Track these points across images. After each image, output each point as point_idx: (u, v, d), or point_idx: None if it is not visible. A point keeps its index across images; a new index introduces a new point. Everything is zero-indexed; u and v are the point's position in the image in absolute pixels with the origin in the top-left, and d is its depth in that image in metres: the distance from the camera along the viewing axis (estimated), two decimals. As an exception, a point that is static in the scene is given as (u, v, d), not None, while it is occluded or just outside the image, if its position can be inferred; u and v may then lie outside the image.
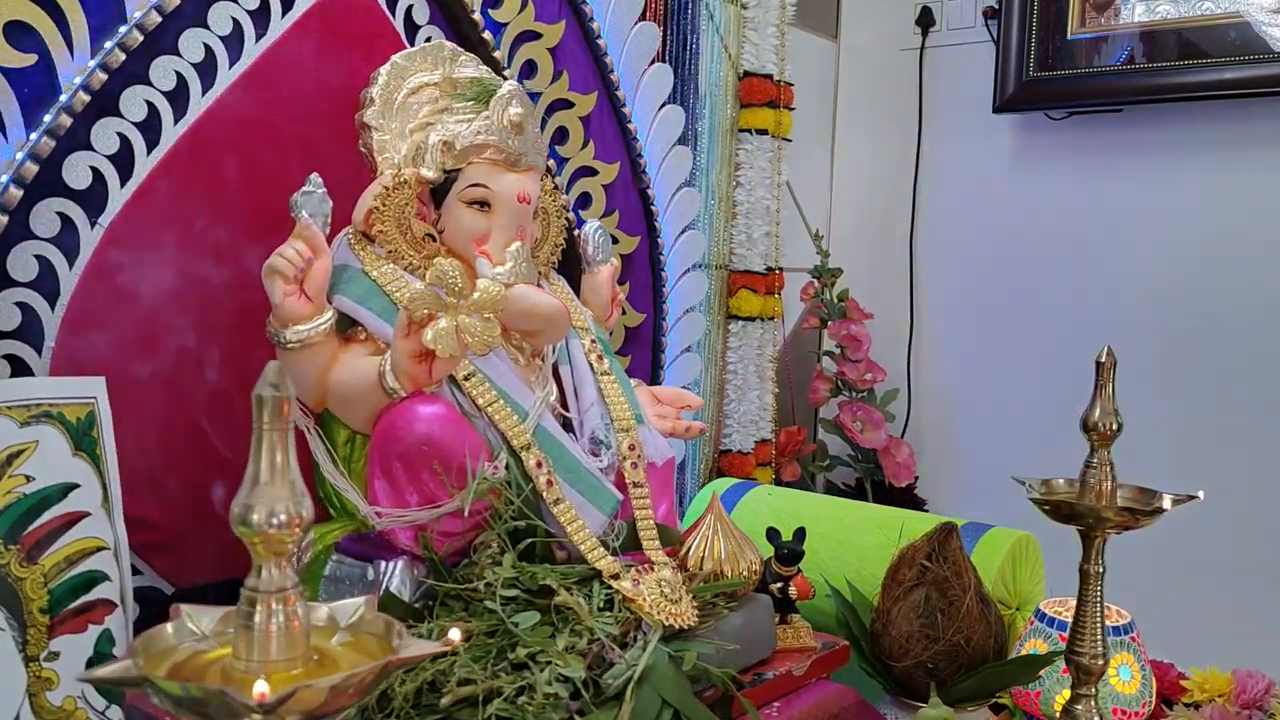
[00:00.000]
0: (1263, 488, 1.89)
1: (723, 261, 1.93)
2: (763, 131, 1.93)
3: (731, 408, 1.94)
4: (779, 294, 1.99)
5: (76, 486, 0.93)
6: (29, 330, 1.05)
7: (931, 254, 2.28)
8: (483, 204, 1.13)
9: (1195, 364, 1.96)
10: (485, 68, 1.23)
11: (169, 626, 0.63)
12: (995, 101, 2.09)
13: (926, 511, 2.07)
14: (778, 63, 1.95)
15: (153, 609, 1.08)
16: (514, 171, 1.14)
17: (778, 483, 2.04)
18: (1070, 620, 1.25)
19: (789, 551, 1.26)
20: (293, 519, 0.59)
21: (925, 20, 2.27)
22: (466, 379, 1.07)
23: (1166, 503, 1.08)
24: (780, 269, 1.99)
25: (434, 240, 1.14)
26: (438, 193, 1.14)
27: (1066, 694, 1.19)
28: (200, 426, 1.18)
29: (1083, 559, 1.12)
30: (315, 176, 1.06)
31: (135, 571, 1.14)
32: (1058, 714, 1.21)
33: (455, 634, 0.63)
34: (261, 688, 0.53)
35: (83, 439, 0.93)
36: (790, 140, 2.00)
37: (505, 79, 1.21)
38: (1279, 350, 1.89)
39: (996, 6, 2.11)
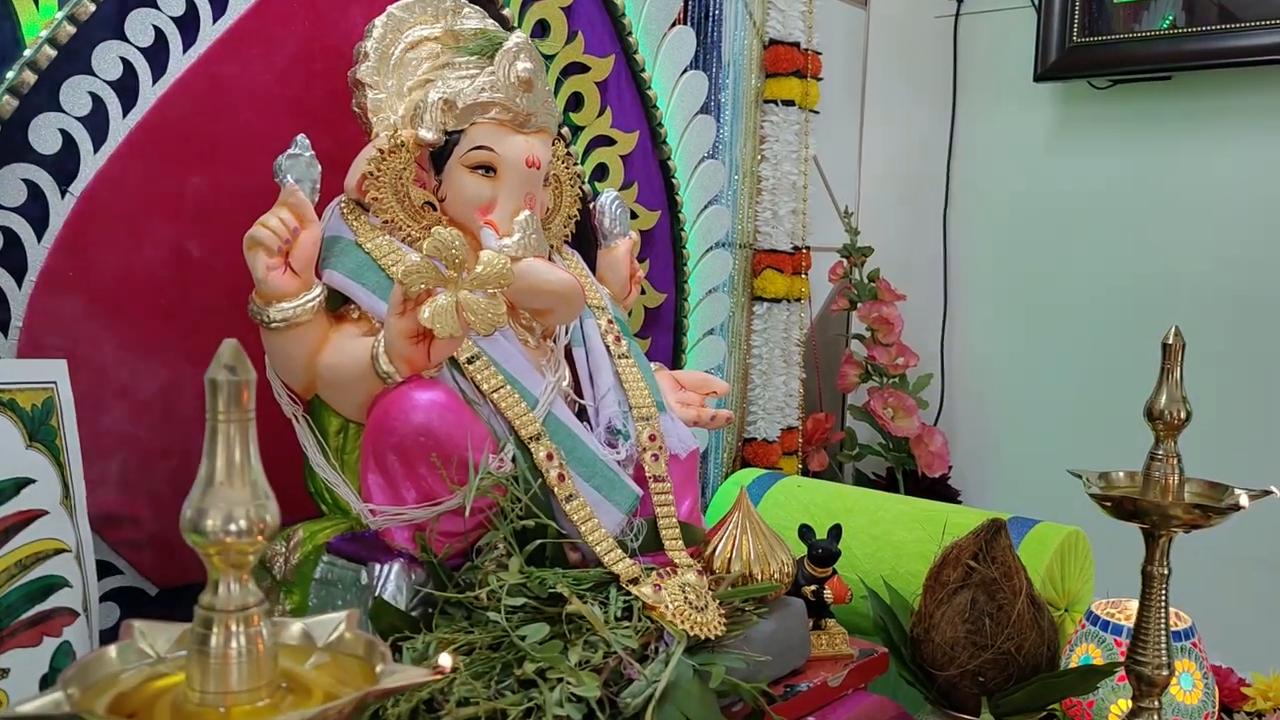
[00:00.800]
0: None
1: (747, 240, 1.86)
2: (789, 103, 1.84)
3: (756, 394, 1.87)
4: (806, 274, 1.91)
5: (31, 482, 0.84)
6: (-7, 308, 0.98)
7: (967, 232, 2.18)
8: (487, 168, 1.04)
9: (1250, 343, 1.86)
10: (491, 21, 1.14)
11: (113, 649, 0.55)
12: (1036, 70, 1.99)
13: (960, 503, 1.99)
14: (805, 30, 1.86)
15: (134, 611, 1.00)
16: (522, 133, 1.05)
17: (804, 472, 1.96)
18: (1126, 624, 1.16)
19: (824, 551, 1.17)
20: (254, 525, 0.51)
21: (960, -15, 2.17)
22: (469, 362, 0.99)
23: (1243, 499, 0.99)
24: (807, 248, 1.91)
25: (434, 209, 1.06)
26: (438, 156, 1.05)
27: (1123, 704, 1.10)
28: (183, 413, 1.10)
29: (1145, 560, 1.03)
30: (302, 138, 0.98)
31: (115, 571, 1.09)
32: (1115, 727, 1.12)
33: (446, 660, 0.55)
34: (205, 734, 0.44)
35: (39, 428, 0.85)
36: (818, 112, 1.91)
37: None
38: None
39: (1036, -31, 2.01)
